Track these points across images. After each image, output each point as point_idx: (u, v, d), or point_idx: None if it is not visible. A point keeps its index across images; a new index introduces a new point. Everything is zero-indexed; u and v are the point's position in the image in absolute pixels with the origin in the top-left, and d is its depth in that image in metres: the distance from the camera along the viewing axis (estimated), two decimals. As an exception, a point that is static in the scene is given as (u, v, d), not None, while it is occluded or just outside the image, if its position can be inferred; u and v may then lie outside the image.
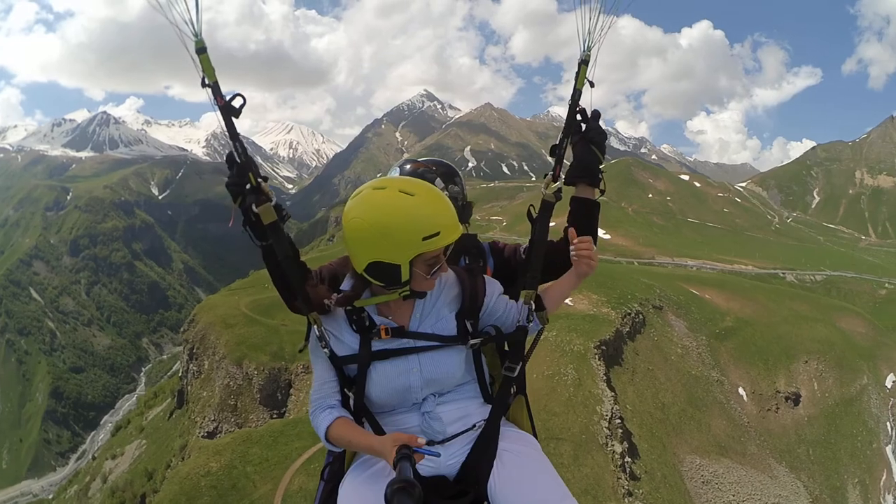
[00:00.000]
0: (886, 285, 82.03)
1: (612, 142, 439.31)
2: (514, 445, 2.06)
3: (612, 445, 28.74)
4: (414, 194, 1.86)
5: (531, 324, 2.23)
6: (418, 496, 1.48)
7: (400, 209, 1.84)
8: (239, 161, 2.06)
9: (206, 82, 2.02)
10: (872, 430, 43.86)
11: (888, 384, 48.04)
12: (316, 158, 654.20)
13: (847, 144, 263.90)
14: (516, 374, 2.21)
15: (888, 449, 43.58)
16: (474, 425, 2.08)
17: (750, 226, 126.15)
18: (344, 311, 2.08)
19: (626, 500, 26.69)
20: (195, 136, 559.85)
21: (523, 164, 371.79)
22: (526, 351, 2.28)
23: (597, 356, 34.02)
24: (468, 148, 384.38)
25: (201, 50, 1.99)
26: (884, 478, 41.67)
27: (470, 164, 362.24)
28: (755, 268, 79.11)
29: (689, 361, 41.37)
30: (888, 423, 44.82)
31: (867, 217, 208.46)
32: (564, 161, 2.42)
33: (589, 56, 2.36)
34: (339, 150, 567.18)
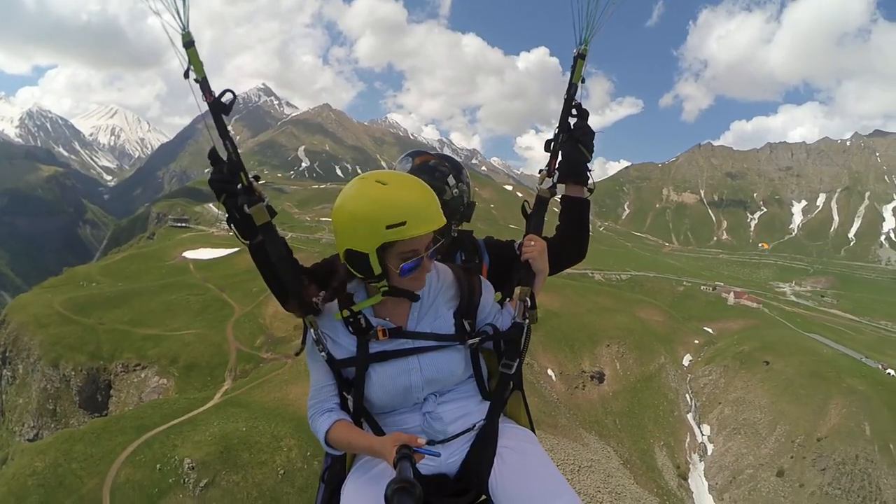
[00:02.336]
0: (684, 283, 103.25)
1: (446, 151, 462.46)
2: (514, 442, 2.10)
3: None
4: (387, 184, 1.85)
5: (527, 321, 2.28)
6: (418, 496, 1.50)
7: (367, 197, 1.84)
8: (228, 159, 2.06)
9: (195, 77, 2.04)
10: (672, 401, 54.16)
11: (685, 363, 59.71)
12: (140, 148, 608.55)
13: (657, 166, 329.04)
14: (514, 371, 2.22)
15: (689, 416, 53.60)
16: (474, 425, 2.10)
17: None
18: (341, 314, 2.04)
19: None
20: (8, 113, 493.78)
21: (357, 167, 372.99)
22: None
23: None
24: (303, 147, 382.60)
25: (189, 44, 2.01)
26: (688, 440, 51.17)
27: (303, 164, 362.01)
28: (572, 269, 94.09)
29: None
30: (687, 395, 55.62)
31: (671, 227, 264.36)
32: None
33: (586, 50, 2.45)
34: (166, 140, 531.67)
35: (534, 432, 2.28)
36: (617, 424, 50.15)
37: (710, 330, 70.58)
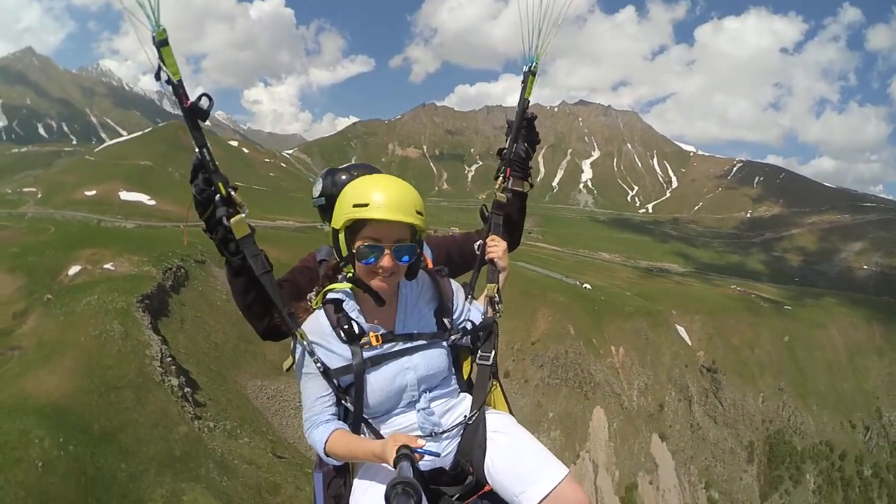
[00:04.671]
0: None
1: (164, 104, 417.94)
2: (499, 427, 2.26)
3: (169, 381, 32.01)
4: (373, 177, 2.13)
5: (497, 315, 2.53)
6: (418, 495, 1.58)
7: (350, 185, 2.08)
8: (206, 169, 2.06)
9: (171, 80, 1.92)
10: None
11: None
12: None
13: (384, 122, 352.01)
14: (491, 362, 2.39)
15: None
16: (465, 416, 2.27)
17: (293, 187, 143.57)
18: (330, 322, 2.14)
19: (195, 422, 30.88)
20: None
21: (63, 124, 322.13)
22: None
23: (140, 309, 36.19)
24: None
25: (163, 42, 1.86)
26: None
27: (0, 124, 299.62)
28: (295, 222, 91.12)
29: (235, 304, 48.57)
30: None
31: None
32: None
33: (538, 67, 2.71)
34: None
35: (511, 414, 2.43)
36: None
37: None
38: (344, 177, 2.76)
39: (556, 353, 56.04)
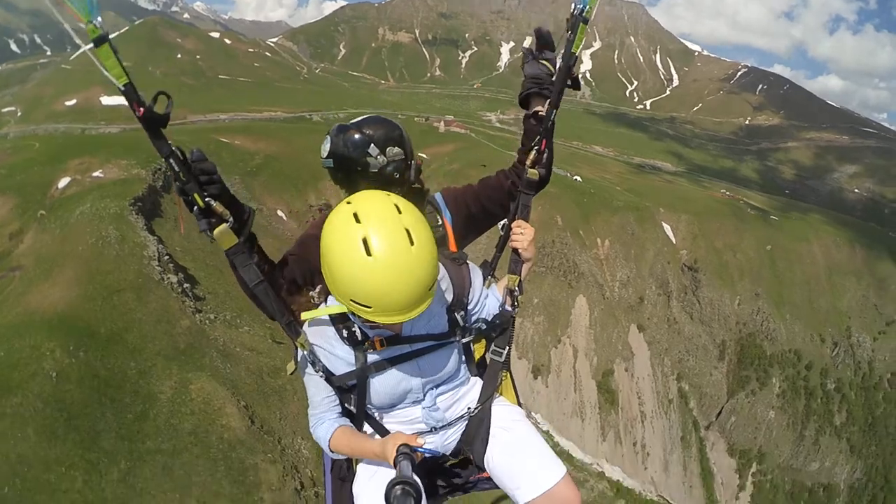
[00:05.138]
0: (400, 116, 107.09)
1: (140, 1, 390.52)
2: (505, 421, 2.24)
3: (168, 278, 33.47)
4: (372, 255, 1.66)
5: (515, 308, 2.38)
6: (418, 495, 1.60)
7: (348, 258, 1.69)
8: (178, 179, 1.89)
9: (118, 85, 1.68)
10: None
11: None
12: None
13: (374, 6, 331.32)
14: (504, 358, 2.34)
15: None
16: (469, 408, 2.25)
17: (280, 77, 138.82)
18: (333, 325, 2.05)
19: (196, 316, 31.88)
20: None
21: (36, 36, 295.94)
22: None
23: (133, 212, 36.62)
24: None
25: (100, 39, 1.60)
26: None
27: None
28: (283, 113, 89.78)
29: None
30: None
31: (387, 66, 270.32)
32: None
33: (591, 12, 2.34)
34: None
35: (520, 406, 2.43)
36: None
37: (424, 155, 76.32)
38: (356, 136, 2.43)
39: (544, 241, 57.07)
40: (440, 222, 2.62)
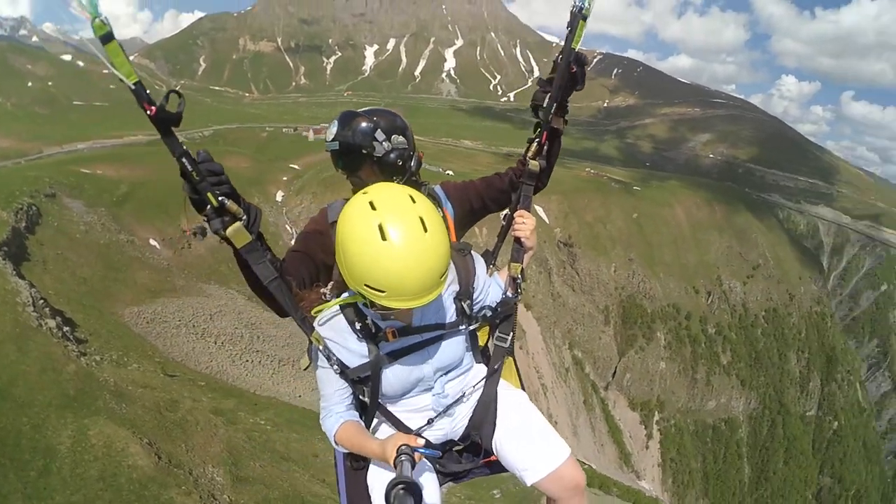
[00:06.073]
0: (267, 129, 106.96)
1: None
2: (511, 405, 2.37)
3: (47, 324, 31.78)
4: (387, 239, 1.71)
5: (519, 295, 2.50)
6: (419, 495, 1.63)
7: (363, 242, 1.74)
8: (190, 180, 1.89)
9: (128, 84, 1.71)
10: (275, 234, 58.25)
11: (278, 199, 64.75)
12: None
13: (233, 15, 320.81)
14: (508, 343, 2.45)
15: (291, 241, 60.02)
16: (474, 386, 2.36)
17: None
18: (346, 320, 2.11)
19: (81, 359, 31.17)
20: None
21: None
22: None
23: (0, 258, 35.10)
24: None
25: (108, 36, 1.60)
26: None
27: None
28: (145, 136, 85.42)
29: (96, 234, 44.84)
30: (286, 226, 60.93)
31: (250, 77, 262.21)
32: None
33: (590, 9, 2.35)
34: None
35: (523, 390, 2.53)
36: (231, 268, 53.54)
37: (295, 166, 75.93)
38: (364, 124, 2.60)
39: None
40: (442, 214, 2.58)
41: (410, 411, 2.30)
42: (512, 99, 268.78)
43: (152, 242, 50.92)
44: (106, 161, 61.51)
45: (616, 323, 68.37)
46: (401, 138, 2.62)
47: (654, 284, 71.92)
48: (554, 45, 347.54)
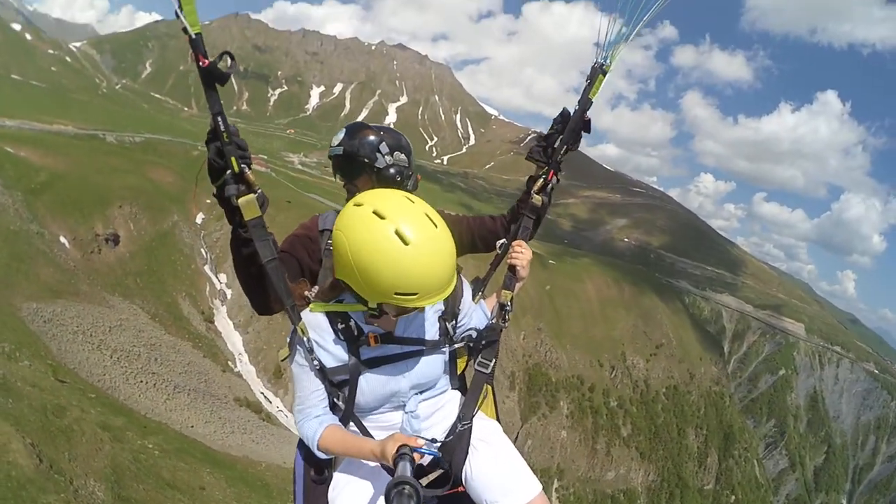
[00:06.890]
0: (199, 147, 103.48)
1: None
2: (485, 436, 2.28)
3: None
4: (409, 243, 1.73)
5: (506, 322, 2.49)
6: (419, 495, 1.58)
7: (384, 253, 1.72)
8: (220, 140, 1.90)
9: (191, 33, 1.76)
10: (189, 256, 56.98)
11: (198, 220, 62.66)
12: None
13: None
14: (489, 370, 2.39)
15: (206, 267, 57.73)
16: (456, 419, 2.27)
17: (76, 87, 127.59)
18: (328, 319, 2.06)
19: None
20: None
21: None
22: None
23: None
24: None
25: None
26: (208, 288, 55.82)
27: None
28: (75, 128, 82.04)
29: (8, 218, 42.73)
30: (202, 249, 59.06)
31: (192, 92, 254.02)
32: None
33: (610, 67, 2.54)
34: None
35: (498, 422, 2.46)
36: (139, 283, 50.84)
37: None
38: (372, 137, 2.67)
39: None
40: None
41: (380, 428, 2.20)
42: (445, 162, 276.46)
43: (62, 240, 48.71)
44: (31, 144, 58.41)
45: (521, 389, 69.56)
46: (402, 156, 2.73)
47: (560, 355, 74.23)
48: (493, 117, 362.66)
